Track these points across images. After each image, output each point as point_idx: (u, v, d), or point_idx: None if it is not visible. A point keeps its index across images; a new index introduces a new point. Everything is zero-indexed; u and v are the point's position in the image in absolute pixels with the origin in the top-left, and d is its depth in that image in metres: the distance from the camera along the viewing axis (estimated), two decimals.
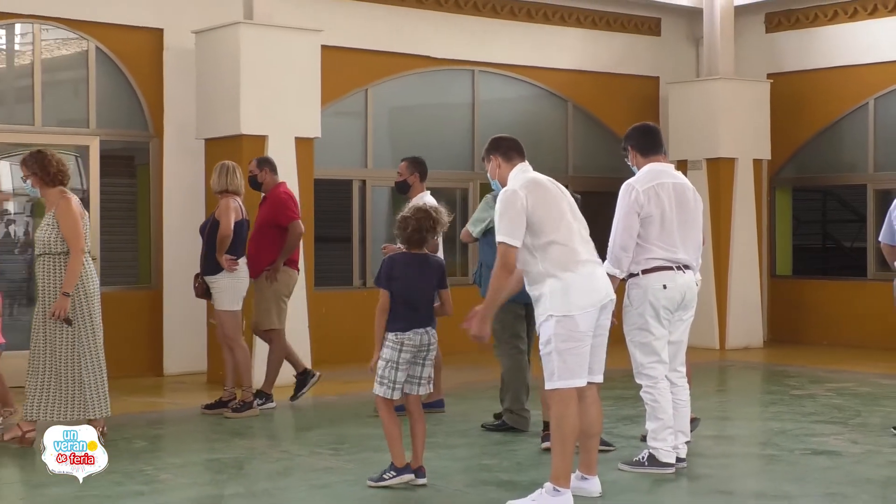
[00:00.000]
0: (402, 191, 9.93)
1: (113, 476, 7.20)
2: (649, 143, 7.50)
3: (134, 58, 12.23)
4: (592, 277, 6.29)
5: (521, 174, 6.49)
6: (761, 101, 15.23)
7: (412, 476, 6.83)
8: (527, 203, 6.24)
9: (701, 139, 14.94)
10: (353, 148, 13.67)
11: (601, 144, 15.57)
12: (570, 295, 6.20)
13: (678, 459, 7.26)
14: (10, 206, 12.09)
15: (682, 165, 14.25)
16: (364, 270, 13.60)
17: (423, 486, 6.85)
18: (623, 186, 7.33)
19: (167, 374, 12.09)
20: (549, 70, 15.21)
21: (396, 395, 6.83)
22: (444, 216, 7.00)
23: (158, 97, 12.33)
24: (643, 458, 7.26)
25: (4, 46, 11.93)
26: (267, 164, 10.23)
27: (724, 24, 15.06)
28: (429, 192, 9.85)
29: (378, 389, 6.83)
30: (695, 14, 15.80)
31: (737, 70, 15.33)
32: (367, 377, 9.62)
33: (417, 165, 9.85)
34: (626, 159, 7.66)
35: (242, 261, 9.72)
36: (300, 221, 10.10)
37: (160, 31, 12.30)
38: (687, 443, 7.40)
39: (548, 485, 6.24)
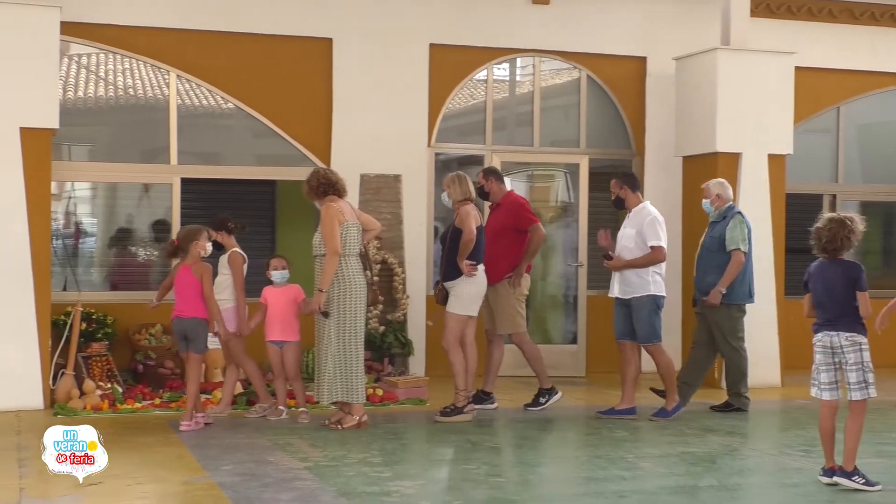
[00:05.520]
0: (619, 206, 9.47)
1: (597, 461, 7.31)
2: None
3: (619, 84, 12.42)
4: None
5: None
6: None
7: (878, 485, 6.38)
8: None
9: None
10: (823, 164, 13.08)
11: None
12: None
13: None
14: None
15: None
16: None
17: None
18: None
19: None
20: None
21: (824, 396, 6.48)
22: (859, 225, 6.54)
23: (640, 119, 12.45)
24: None
25: (507, 77, 12.53)
26: (493, 174, 9.76)
27: None
28: (648, 201, 9.36)
29: (812, 390, 6.58)
30: None
31: None
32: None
33: (625, 179, 9.37)
34: None
35: (481, 268, 8.96)
36: (541, 225, 9.64)
37: (643, 59, 12.42)
38: None
39: None
